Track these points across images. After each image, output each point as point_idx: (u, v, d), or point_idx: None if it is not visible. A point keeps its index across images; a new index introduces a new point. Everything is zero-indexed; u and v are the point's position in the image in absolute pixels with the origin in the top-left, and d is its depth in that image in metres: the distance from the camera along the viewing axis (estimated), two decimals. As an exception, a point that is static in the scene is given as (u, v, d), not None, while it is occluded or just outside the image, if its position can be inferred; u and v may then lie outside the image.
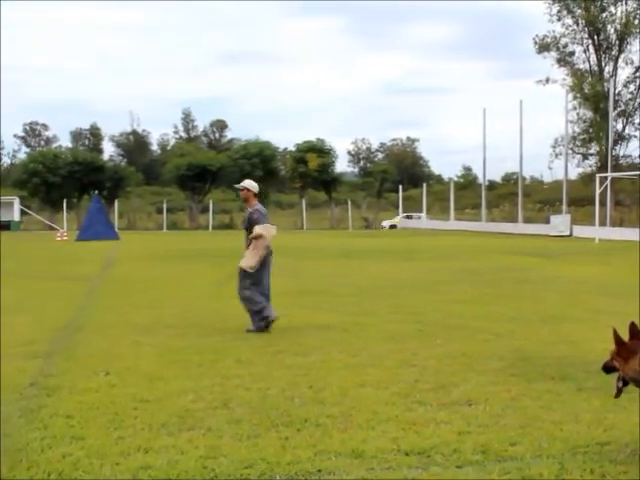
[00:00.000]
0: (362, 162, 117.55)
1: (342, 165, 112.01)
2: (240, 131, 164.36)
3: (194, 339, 10.15)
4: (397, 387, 7.33)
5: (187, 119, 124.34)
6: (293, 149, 78.23)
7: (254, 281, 10.99)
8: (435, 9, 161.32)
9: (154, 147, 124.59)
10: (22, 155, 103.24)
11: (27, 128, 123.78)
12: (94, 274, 20.61)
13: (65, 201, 65.05)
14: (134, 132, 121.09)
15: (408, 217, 71.53)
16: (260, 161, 71.51)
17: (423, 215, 71.40)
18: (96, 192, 53.97)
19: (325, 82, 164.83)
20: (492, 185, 79.16)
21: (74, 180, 71.96)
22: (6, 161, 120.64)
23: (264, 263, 11.05)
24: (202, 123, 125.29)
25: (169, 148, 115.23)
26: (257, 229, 10.94)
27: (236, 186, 11.85)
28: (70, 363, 8.54)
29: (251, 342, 9.89)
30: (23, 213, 67.42)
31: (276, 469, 5.07)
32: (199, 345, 9.66)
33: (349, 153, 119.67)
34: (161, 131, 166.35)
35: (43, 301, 14.78)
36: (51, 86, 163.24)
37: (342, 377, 7.77)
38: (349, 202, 71.69)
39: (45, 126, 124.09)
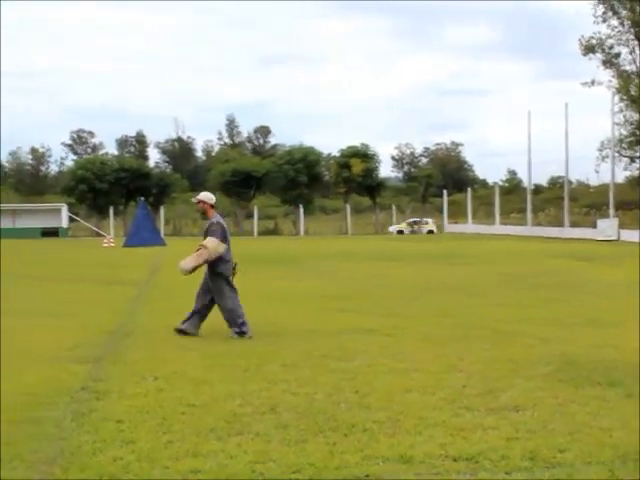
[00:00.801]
0: (406, 167, 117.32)
1: (386, 170, 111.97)
2: (284, 137, 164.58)
3: (238, 343, 10.25)
4: (443, 392, 7.30)
5: (231, 125, 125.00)
6: (337, 154, 78.15)
7: (231, 292, 11.17)
8: (478, 9, 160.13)
9: (199, 153, 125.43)
10: (69, 162, 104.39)
11: (74, 136, 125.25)
12: (141, 279, 20.78)
13: (112, 208, 65.75)
14: (179, 139, 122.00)
15: (415, 223, 71.17)
16: (304, 166, 71.48)
17: (430, 220, 71.01)
18: (142, 198, 54.34)
19: (368, 85, 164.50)
20: (538, 189, 78.37)
21: (120, 187, 72.58)
22: (54, 169, 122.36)
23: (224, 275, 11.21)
24: (246, 129, 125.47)
25: (214, 154, 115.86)
26: (207, 240, 11.09)
27: (192, 199, 11.94)
28: (119, 367, 8.63)
29: (295, 346, 9.91)
30: (71, 220, 68.12)
31: (324, 474, 5.07)
32: (243, 349, 9.71)
33: (393, 158, 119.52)
34: (205, 137, 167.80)
35: (91, 306, 14.95)
36: (97, 93, 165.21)
37: (388, 382, 7.76)
38: (393, 207, 71.58)
39: (91, 133, 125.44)
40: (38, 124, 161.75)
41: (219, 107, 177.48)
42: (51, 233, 62.84)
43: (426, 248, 38.82)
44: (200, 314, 11.23)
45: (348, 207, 70.37)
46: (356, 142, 77.56)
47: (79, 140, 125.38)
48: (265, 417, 6.45)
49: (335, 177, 75.24)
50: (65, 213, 66.28)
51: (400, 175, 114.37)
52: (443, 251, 35.64)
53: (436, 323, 11.97)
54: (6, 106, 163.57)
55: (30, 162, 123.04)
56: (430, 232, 68.79)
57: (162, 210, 68.06)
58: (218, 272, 11.17)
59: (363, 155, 73.55)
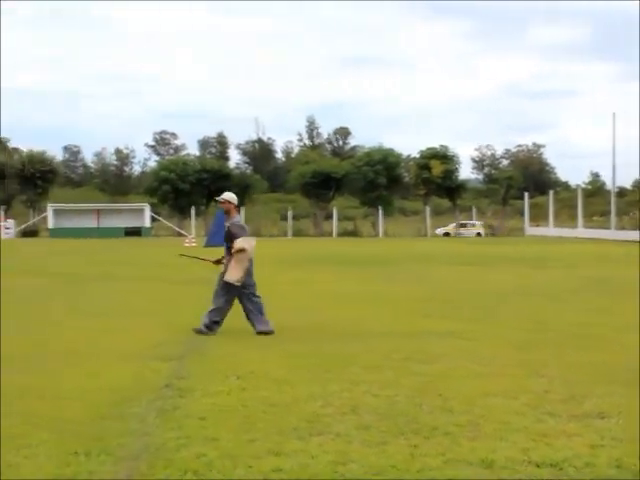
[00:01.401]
0: (486, 169, 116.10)
1: (466, 172, 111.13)
2: (363, 138, 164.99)
3: (318, 344, 10.24)
4: (526, 397, 7.20)
5: (311, 126, 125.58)
6: (417, 156, 77.81)
7: (229, 298, 11.36)
8: (562, 9, 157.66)
9: (279, 155, 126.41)
10: (152, 163, 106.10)
11: (157, 137, 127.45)
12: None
13: (193, 208, 66.67)
14: (259, 140, 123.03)
15: (462, 225, 70.48)
16: (384, 168, 71.29)
17: (478, 223, 70.12)
18: (223, 199, 54.96)
19: (448, 86, 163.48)
20: (622, 192, 76.91)
21: (202, 187, 73.36)
22: (137, 169, 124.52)
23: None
24: (326, 130, 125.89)
25: (293, 155, 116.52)
26: (239, 243, 11.22)
27: (217, 199, 11.92)
28: (201, 365, 8.74)
29: (378, 348, 9.88)
30: (153, 220, 69.21)
31: (405, 476, 5.05)
32: (324, 350, 9.73)
33: (473, 160, 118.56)
34: (286, 139, 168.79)
35: (174, 304, 15.20)
36: (180, 95, 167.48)
37: (469, 386, 7.69)
38: (473, 209, 70.97)
39: (174, 135, 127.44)
40: (122, 125, 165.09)
41: (299, 108, 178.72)
42: (134, 232, 63.99)
43: (508, 251, 38.33)
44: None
45: (427, 209, 70.03)
46: (436, 144, 77.24)
47: (162, 141, 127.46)
48: (346, 418, 6.46)
49: (414, 179, 74.83)
50: (148, 213, 67.39)
51: (480, 177, 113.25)
52: (525, 255, 35.20)
53: (519, 327, 11.82)
54: (91, 108, 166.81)
55: (114, 163, 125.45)
56: (478, 235, 68.17)
57: (242, 211, 68.62)
58: None
59: (443, 157, 73.00)
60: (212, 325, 11.22)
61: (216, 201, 11.78)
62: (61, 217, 66.41)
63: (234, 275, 11.21)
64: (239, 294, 11.38)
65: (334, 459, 5.36)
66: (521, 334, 11.17)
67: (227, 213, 11.76)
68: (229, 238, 11.41)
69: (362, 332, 11.20)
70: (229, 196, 11.73)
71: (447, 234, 68.72)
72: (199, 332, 11.14)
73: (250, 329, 11.35)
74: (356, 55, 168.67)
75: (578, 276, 21.99)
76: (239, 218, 11.86)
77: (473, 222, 70.76)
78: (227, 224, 11.62)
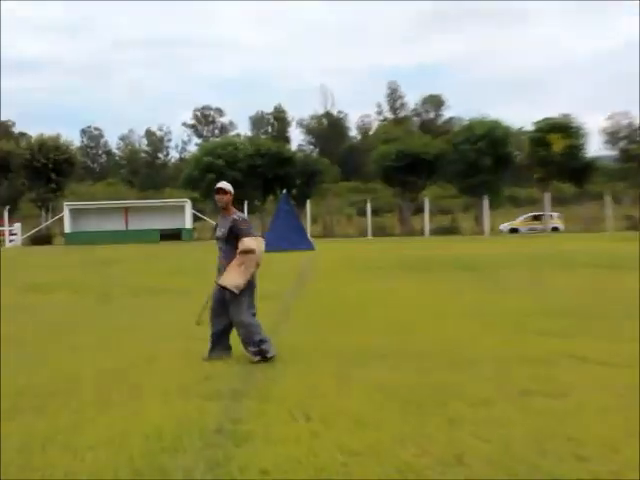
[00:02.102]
0: (623, 143, 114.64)
1: (596, 147, 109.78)
2: (461, 108, 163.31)
3: (413, 373, 10.15)
4: (685, 439, 7.07)
5: (393, 96, 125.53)
6: (531, 129, 77.23)
7: (251, 304, 11.62)
8: None
9: (353, 132, 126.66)
10: (193, 148, 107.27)
11: (198, 114, 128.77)
12: (286, 292, 21.06)
13: (246, 203, 66.99)
14: (327, 114, 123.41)
15: (535, 218, 69.94)
16: (489, 145, 70.92)
17: (555, 214, 69.43)
18: (284, 191, 55.25)
19: (570, 42, 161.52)
20: None
21: (256, 176, 73.94)
22: (174, 156, 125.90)
23: (252, 283, 11.68)
24: (412, 100, 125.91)
25: (372, 133, 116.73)
26: (248, 242, 11.49)
27: (221, 186, 11.98)
28: (263, 404, 8.73)
29: (485, 377, 9.81)
30: (196, 218, 69.84)
31: None
32: (420, 381, 9.66)
33: (605, 132, 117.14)
34: (361, 112, 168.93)
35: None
36: (226, 62, 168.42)
37: (609, 425, 7.57)
38: (606, 196, 70.06)
39: (220, 111, 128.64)
40: (154, 101, 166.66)
41: (378, 73, 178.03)
42: (172, 236, 64.64)
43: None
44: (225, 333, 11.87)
45: (547, 197, 69.42)
46: (555, 112, 76.51)
47: (204, 119, 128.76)
48: (449, 469, 6.42)
49: (529, 158, 74.31)
50: (189, 211, 68.00)
51: (615, 154, 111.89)
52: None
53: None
54: (114, 80, 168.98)
55: (145, 148, 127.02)
56: (555, 229, 67.56)
57: (308, 205, 68.93)
58: None
59: (565, 129, 72.35)
60: (261, 345, 11.42)
61: (219, 192, 11.87)
62: (80, 218, 67.53)
63: (234, 279, 11.41)
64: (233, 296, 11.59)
65: (436, 524, 5.33)
66: (675, 357, 10.95)
67: (226, 208, 11.96)
68: (234, 235, 11.67)
69: (466, 357, 11.12)
70: (230, 187, 12.00)
71: (515, 230, 68.51)
72: (252, 358, 11.40)
73: (326, 355, 11.39)
74: (451, 7, 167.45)
75: None
76: (240, 213, 12.09)
77: (550, 214, 70.30)
78: (232, 217, 11.80)
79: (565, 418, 7.86)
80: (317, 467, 6.53)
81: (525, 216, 72.10)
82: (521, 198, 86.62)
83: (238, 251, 11.56)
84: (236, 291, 11.42)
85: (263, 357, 11.35)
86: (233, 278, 11.44)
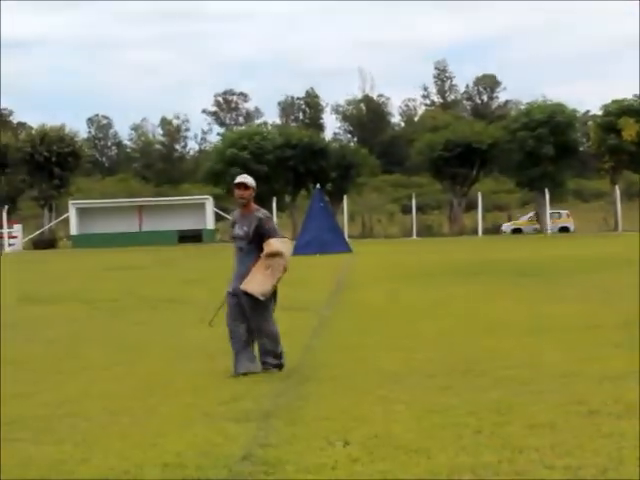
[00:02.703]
0: None
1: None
2: (518, 90, 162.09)
3: (466, 393, 10.11)
4: None
5: (442, 76, 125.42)
6: (598, 113, 76.89)
7: (272, 313, 11.92)
8: None
9: (395, 119, 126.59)
10: (214, 138, 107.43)
11: (220, 100, 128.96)
12: (321, 301, 21.10)
13: (274, 199, 66.93)
14: (366, 98, 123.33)
15: (537, 216, 70.17)
16: (550, 132, 70.66)
17: (564, 212, 69.35)
18: (318, 186, 55.20)
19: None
20: None
21: (286, 169, 73.98)
22: (193, 147, 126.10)
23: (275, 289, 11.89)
24: (463, 81, 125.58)
25: (417, 119, 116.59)
26: (276, 245, 11.69)
27: (242, 180, 12.06)
28: (295, 428, 8.71)
29: (551, 397, 9.74)
30: (219, 218, 69.89)
31: None
32: (474, 402, 9.62)
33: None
34: (405, 95, 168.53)
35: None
36: (250, 40, 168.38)
37: (690, 450, 7.54)
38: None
39: (244, 96, 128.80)
40: (170, 85, 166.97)
41: (423, 51, 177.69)
42: (192, 237, 64.74)
43: None
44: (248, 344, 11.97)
45: (617, 190, 69.08)
46: (627, 94, 76.14)
47: (227, 106, 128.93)
48: (509, 501, 6.41)
49: (597, 147, 74.00)
50: (211, 209, 68.10)
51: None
52: None
53: None
54: (124, 61, 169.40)
55: (160, 139, 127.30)
56: (564, 230, 67.44)
57: (345, 202, 68.89)
58: None
59: (638, 113, 71.93)
60: (281, 359, 11.87)
61: (240, 187, 11.99)
62: (88, 218, 67.78)
63: (260, 285, 11.56)
64: (257, 304, 11.79)
65: None
66: None
67: (246, 205, 12.05)
68: (260, 236, 11.79)
69: (529, 374, 11.08)
70: (250, 181, 12.08)
71: (518, 230, 68.66)
72: (269, 369, 11.84)
73: (366, 373, 11.44)
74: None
75: None
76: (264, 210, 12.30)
77: (558, 212, 70.35)
78: (257, 216, 11.93)
79: (637, 441, 7.84)
80: (357, 499, 6.56)
81: (529, 215, 72.25)
82: (588, 192, 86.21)
83: (264, 253, 11.67)
84: (262, 298, 11.55)
85: (281, 368, 11.78)
86: (259, 284, 11.55)
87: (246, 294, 11.64)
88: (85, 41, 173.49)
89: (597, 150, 73.92)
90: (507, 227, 70.36)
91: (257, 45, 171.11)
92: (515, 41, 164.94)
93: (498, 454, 7.56)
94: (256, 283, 11.55)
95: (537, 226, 69.36)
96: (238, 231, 12.01)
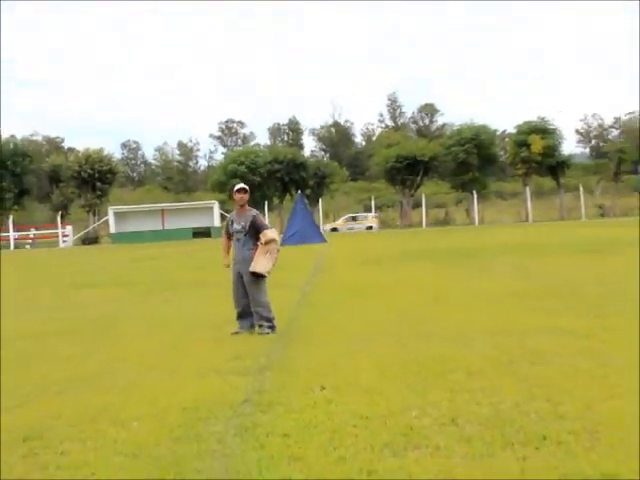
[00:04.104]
0: (594, 141, 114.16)
1: (570, 146, 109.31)
2: (452, 115, 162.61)
3: (416, 348, 10.15)
4: (653, 399, 7.07)
5: (393, 105, 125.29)
6: (513, 131, 76.98)
7: (265, 289, 12.29)
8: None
9: (358, 139, 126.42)
10: (219, 156, 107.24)
11: (223, 127, 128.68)
12: (303, 280, 21.10)
13: (266, 203, 67.01)
14: (336, 123, 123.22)
15: (353, 219, 70.57)
16: (476, 147, 70.82)
17: (371, 215, 70.01)
18: (299, 192, 55.19)
19: (550, 52, 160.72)
20: None
21: (275, 180, 73.96)
22: (203, 163, 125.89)
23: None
24: (410, 109, 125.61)
25: (375, 139, 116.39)
26: (270, 233, 12.22)
27: (243, 186, 12.40)
28: (283, 378, 8.75)
29: (480, 351, 9.78)
30: (223, 218, 69.71)
31: (516, 493, 5.04)
32: (422, 355, 9.65)
33: (578, 132, 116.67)
34: (365, 120, 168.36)
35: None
36: (247, 78, 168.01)
37: (585, 388, 7.57)
38: (581, 188, 69.78)
39: (241, 123, 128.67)
40: (185, 116, 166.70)
41: (379, 86, 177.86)
42: (203, 233, 64.69)
43: (625, 234, 37.61)
44: (249, 312, 12.32)
45: (528, 190, 69.25)
46: (534, 116, 76.22)
47: (228, 131, 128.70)
48: (446, 429, 6.44)
49: (512, 157, 74.12)
50: (217, 211, 68.04)
51: (587, 151, 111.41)
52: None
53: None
54: (149, 99, 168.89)
55: (178, 158, 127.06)
56: (370, 228, 67.65)
57: (321, 203, 68.85)
58: None
59: (543, 131, 72.11)
60: (273, 322, 12.15)
61: (240, 191, 12.34)
62: (123, 220, 67.57)
63: (265, 266, 12.09)
64: (254, 280, 12.22)
65: (434, 476, 5.35)
66: (647, 327, 10.90)
67: (243, 205, 12.44)
68: (256, 229, 12.27)
69: (462, 334, 11.09)
70: (245, 187, 12.43)
71: (335, 229, 68.83)
72: (264, 332, 12.05)
73: (338, 334, 11.47)
74: (440, 28, 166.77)
75: None
76: (254, 210, 12.74)
77: (365, 214, 71.08)
78: (249, 214, 12.44)
79: (546, 383, 7.85)
80: (331, 430, 6.56)
81: (344, 217, 72.77)
82: (506, 192, 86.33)
83: (262, 241, 12.13)
84: (267, 275, 12.11)
85: (273, 330, 12.04)
86: (263, 265, 12.07)
87: (253, 274, 12.05)
88: (118, 83, 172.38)
89: (512, 160, 73.98)
90: (327, 227, 69.55)
91: (254, 82, 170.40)
92: (448, 80, 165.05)
93: (440, 395, 7.58)
94: (261, 265, 12.06)
95: (350, 225, 69.81)
96: (237, 226, 12.42)
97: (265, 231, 12.24)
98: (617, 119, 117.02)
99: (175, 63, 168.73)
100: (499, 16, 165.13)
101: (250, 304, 12.23)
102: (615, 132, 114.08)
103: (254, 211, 12.57)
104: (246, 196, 12.35)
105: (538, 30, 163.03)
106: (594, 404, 6.99)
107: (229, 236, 12.66)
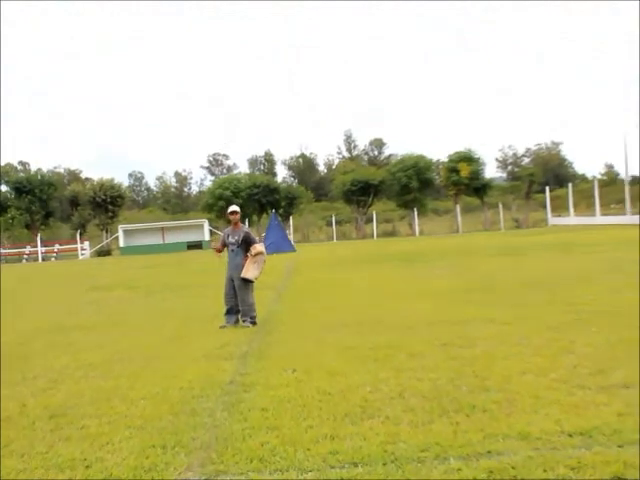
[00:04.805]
0: (510, 167, 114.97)
1: (491, 171, 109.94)
2: (396, 147, 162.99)
3: (370, 336, 10.14)
4: (557, 373, 7.14)
5: (349, 140, 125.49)
6: (445, 160, 77.33)
7: (253, 291, 12.36)
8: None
9: (321, 167, 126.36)
10: (208, 183, 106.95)
11: (211, 159, 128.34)
12: (278, 282, 21.08)
13: (247, 220, 66.85)
14: (303, 155, 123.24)
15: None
16: (416, 173, 71.02)
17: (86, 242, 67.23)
18: (273, 210, 55.17)
19: (469, 94, 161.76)
20: (635, 180, 75.40)
21: (253, 201, 73.76)
22: (195, 189, 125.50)
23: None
24: (362, 143, 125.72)
25: (334, 167, 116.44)
26: (259, 247, 12.41)
27: (236, 209, 12.52)
28: (263, 362, 8.74)
29: (421, 337, 9.81)
30: (211, 233, 69.60)
31: (449, 451, 5.05)
32: (374, 341, 9.65)
33: (497, 160, 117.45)
34: (326, 152, 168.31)
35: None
36: (231, 124, 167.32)
37: (505, 366, 7.63)
38: (500, 205, 70.19)
39: (226, 156, 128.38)
40: (181, 149, 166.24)
41: (337, 124, 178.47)
42: (195, 246, 64.47)
43: (536, 241, 37.95)
44: (235, 310, 12.39)
45: (458, 207, 69.60)
46: (462, 147, 76.65)
47: (215, 162, 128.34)
48: (394, 402, 6.46)
49: (445, 181, 74.42)
50: (207, 227, 67.86)
51: (504, 175, 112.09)
52: (552, 243, 34.68)
53: (551, 311, 11.57)
54: (151, 139, 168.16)
55: (174, 184, 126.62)
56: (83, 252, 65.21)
57: (291, 220, 68.84)
58: None
59: (469, 159, 72.44)
60: (254, 318, 12.21)
61: (233, 213, 12.51)
62: (130, 236, 67.22)
63: (254, 273, 12.22)
64: (243, 284, 12.32)
65: (384, 440, 5.37)
66: (552, 316, 10.98)
67: (236, 223, 12.62)
68: (247, 243, 12.43)
69: (408, 323, 11.12)
70: (238, 209, 12.63)
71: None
72: (247, 325, 12.08)
73: (307, 325, 11.48)
74: (385, 75, 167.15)
75: (604, 259, 21.59)
76: (246, 227, 12.98)
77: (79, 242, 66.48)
78: (244, 231, 12.60)
79: (474, 362, 7.90)
80: (300, 404, 6.55)
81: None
82: (440, 209, 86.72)
83: (252, 253, 12.30)
84: (254, 280, 12.27)
85: (254, 324, 12.09)
86: (252, 272, 12.23)
87: (243, 279, 12.21)
88: (128, 129, 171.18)
89: (445, 183, 74.14)
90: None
91: (238, 127, 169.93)
92: (393, 119, 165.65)
93: (388, 374, 7.60)
94: (250, 272, 12.22)
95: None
96: (231, 239, 12.63)
97: (255, 245, 12.42)
98: (528, 149, 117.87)
99: (173, 112, 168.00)
100: (429, 68, 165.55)
101: (238, 303, 12.29)
102: (526, 160, 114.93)
103: (246, 228, 12.77)
104: (238, 216, 12.51)
105: (461, 78, 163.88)
106: (512, 378, 7.05)
107: (224, 245, 12.82)
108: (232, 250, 12.53)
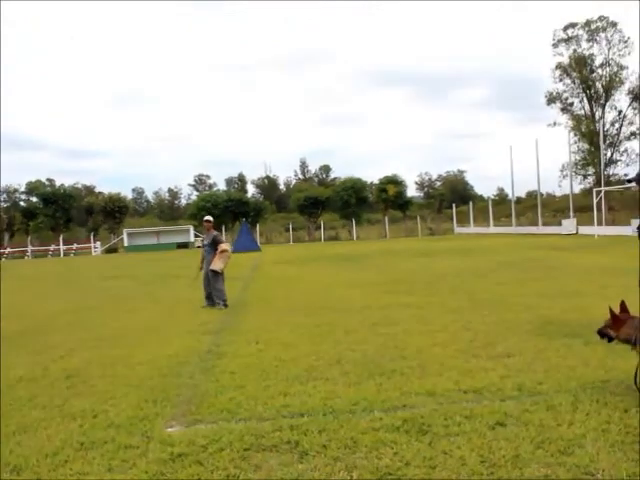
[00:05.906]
0: (426, 189, 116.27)
1: (412, 191, 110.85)
2: (340, 172, 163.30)
3: (315, 317, 10.14)
4: (457, 346, 7.23)
5: (303, 165, 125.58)
6: (377, 182, 77.76)
7: (223, 280, 12.34)
8: (474, 76, 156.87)
9: (281, 186, 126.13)
10: (194, 197, 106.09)
11: (197, 178, 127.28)
12: (245, 275, 20.98)
13: (223, 226, 66.45)
14: (267, 177, 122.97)
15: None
16: (354, 192, 71.40)
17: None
18: (244, 219, 54.89)
19: (396, 134, 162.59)
20: (519, 200, 76.76)
21: (229, 212, 73.31)
22: (184, 202, 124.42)
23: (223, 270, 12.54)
24: (314, 168, 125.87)
25: (292, 186, 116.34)
26: (223, 246, 12.47)
27: (209, 218, 12.99)
28: (233, 336, 8.69)
29: (355, 318, 9.84)
30: (196, 236, 68.98)
31: (374, 405, 5.09)
32: (319, 321, 9.67)
33: (416, 183, 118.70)
34: (286, 174, 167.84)
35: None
36: (213, 148, 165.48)
37: (419, 340, 7.71)
38: (418, 217, 70.80)
39: (208, 176, 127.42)
40: (173, 171, 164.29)
41: (294, 153, 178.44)
42: (183, 246, 63.88)
43: (445, 245, 38.36)
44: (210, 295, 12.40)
45: (386, 219, 70.06)
46: (390, 173, 77.17)
47: (200, 181, 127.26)
48: (333, 367, 6.48)
49: (376, 198, 74.93)
50: (192, 232, 67.27)
51: (422, 195, 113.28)
52: (457, 247, 35.15)
53: (454, 298, 11.70)
54: (150, 162, 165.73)
55: (168, 198, 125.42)
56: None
57: (258, 226, 68.56)
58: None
59: (395, 182, 73.07)
60: (225, 302, 12.14)
61: (207, 221, 12.90)
62: (133, 237, 66.33)
63: (219, 266, 12.23)
64: (215, 275, 12.29)
65: (324, 396, 5.39)
66: (456, 302, 11.12)
67: (209, 229, 12.81)
68: (215, 243, 12.47)
69: (345, 307, 11.16)
70: (211, 218, 13.03)
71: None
72: (220, 308, 11.98)
73: (269, 308, 11.43)
74: (334, 116, 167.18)
75: (493, 260, 21.95)
76: (216, 231, 13.03)
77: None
78: (213, 233, 12.67)
79: (395, 337, 7.97)
80: (261, 369, 6.54)
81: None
82: (373, 219, 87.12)
83: (218, 251, 12.32)
84: (219, 270, 12.18)
85: (226, 307, 11.97)
86: (217, 264, 12.23)
87: (212, 271, 12.19)
88: (131, 151, 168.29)
89: (377, 200, 74.71)
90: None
91: (217, 152, 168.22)
92: (338, 149, 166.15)
93: (329, 345, 7.60)
94: (217, 265, 12.24)
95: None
96: (205, 242, 12.82)
97: (220, 244, 12.45)
98: (440, 175, 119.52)
99: (167, 142, 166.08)
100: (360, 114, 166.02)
101: (212, 290, 12.19)
102: (439, 183, 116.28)
103: (215, 232, 12.81)
104: (211, 224, 12.77)
105: (377, 124, 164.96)
106: (423, 350, 7.12)
107: (201, 247, 12.96)
108: (206, 250, 12.67)
